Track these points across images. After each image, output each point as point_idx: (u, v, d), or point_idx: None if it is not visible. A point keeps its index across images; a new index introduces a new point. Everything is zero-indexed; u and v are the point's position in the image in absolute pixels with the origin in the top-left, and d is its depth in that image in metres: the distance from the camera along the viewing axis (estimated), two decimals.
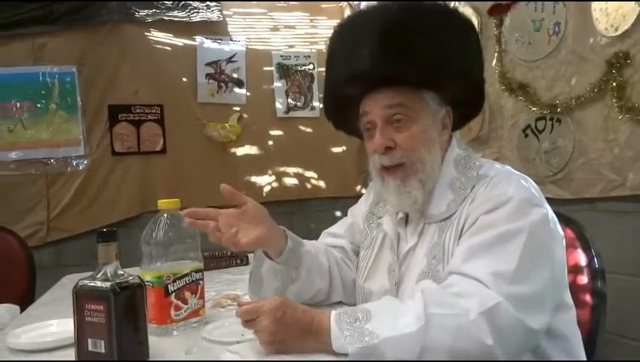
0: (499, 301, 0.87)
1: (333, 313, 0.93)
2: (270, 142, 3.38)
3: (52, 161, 2.92)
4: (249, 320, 0.95)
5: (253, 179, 3.34)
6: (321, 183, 3.49)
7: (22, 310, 1.44)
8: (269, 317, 0.93)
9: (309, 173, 3.46)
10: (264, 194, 3.35)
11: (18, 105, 2.87)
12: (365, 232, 1.26)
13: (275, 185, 3.39)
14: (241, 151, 3.31)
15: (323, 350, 0.92)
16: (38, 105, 2.90)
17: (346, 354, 0.89)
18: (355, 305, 1.22)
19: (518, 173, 1.09)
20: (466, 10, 2.58)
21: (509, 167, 1.10)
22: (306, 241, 1.25)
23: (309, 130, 3.45)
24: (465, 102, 1.16)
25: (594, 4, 1.98)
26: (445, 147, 1.13)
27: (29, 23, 2.83)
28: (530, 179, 1.07)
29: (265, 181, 3.37)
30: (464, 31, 1.13)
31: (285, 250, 1.17)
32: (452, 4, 2.68)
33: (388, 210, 1.20)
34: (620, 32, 1.89)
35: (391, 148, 1.08)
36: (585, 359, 1.09)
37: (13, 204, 2.83)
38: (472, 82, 1.14)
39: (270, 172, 3.37)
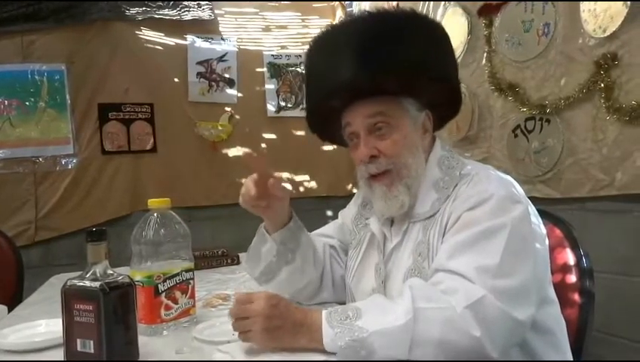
0: (483, 294, 0.89)
1: (324, 312, 0.95)
2: (261, 142, 3.38)
3: (41, 159, 2.89)
4: (242, 307, 0.96)
5: (244, 178, 3.30)
6: (313, 182, 3.49)
7: (10, 310, 1.43)
8: (264, 303, 0.94)
9: (300, 173, 3.46)
10: None
11: (6, 103, 2.83)
12: (354, 232, 1.28)
13: None
14: (232, 150, 3.31)
15: (314, 347, 0.92)
16: (27, 103, 2.87)
17: (335, 353, 0.90)
18: (344, 303, 1.24)
19: (499, 172, 1.11)
20: (456, 10, 2.59)
21: (490, 167, 1.13)
22: (307, 231, 1.27)
23: (300, 129, 3.45)
24: (442, 104, 1.18)
25: (582, 6, 2.00)
26: (428, 149, 1.15)
27: (18, 20, 2.80)
28: (511, 178, 1.09)
29: None
30: (436, 35, 1.14)
31: (285, 227, 1.19)
32: (441, 4, 2.69)
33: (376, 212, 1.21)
34: (607, 33, 1.90)
35: (376, 157, 1.11)
36: (570, 352, 1.10)
37: (0, 202, 2.80)
38: (449, 85, 1.15)
39: None
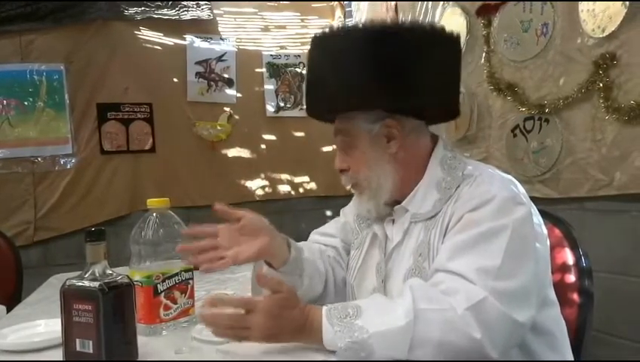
0: (484, 296, 0.89)
1: (324, 308, 0.94)
2: (260, 142, 3.38)
3: (39, 159, 2.89)
4: (239, 315, 0.94)
5: (243, 178, 3.33)
6: (312, 182, 3.49)
7: (9, 310, 1.43)
8: (264, 315, 0.93)
9: (299, 172, 3.46)
10: (254, 193, 3.34)
11: (5, 102, 2.83)
12: (356, 231, 1.28)
13: (265, 184, 3.39)
14: (231, 150, 3.30)
15: (314, 344, 0.93)
16: (26, 103, 2.87)
17: (334, 351, 0.90)
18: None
19: (503, 173, 1.10)
20: (455, 10, 2.59)
21: (493, 168, 1.12)
22: (303, 246, 1.25)
23: (299, 129, 3.45)
24: (420, 110, 1.14)
25: (581, 6, 2.00)
26: (403, 157, 1.12)
27: (17, 19, 2.80)
28: (514, 179, 1.09)
29: (255, 180, 3.36)
30: (376, 46, 1.08)
31: (290, 260, 1.17)
32: (440, 4, 2.70)
33: (375, 218, 1.21)
34: (606, 33, 1.91)
35: (346, 170, 1.16)
36: (570, 353, 1.11)
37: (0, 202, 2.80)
38: (406, 95, 1.09)
39: (260, 171, 3.37)
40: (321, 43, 1.14)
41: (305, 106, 1.24)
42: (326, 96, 1.13)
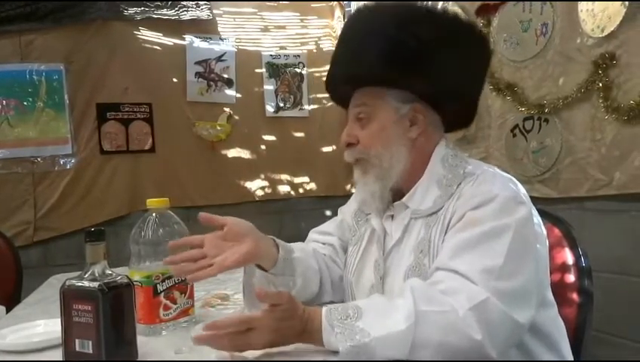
0: (486, 296, 0.89)
1: (324, 309, 0.93)
2: (260, 142, 3.38)
3: (39, 159, 2.89)
4: (241, 338, 0.92)
5: (243, 178, 3.33)
6: (311, 182, 3.50)
7: (8, 310, 1.43)
8: (264, 331, 0.91)
9: (298, 173, 3.46)
10: (254, 193, 3.34)
11: (4, 103, 2.83)
12: (354, 229, 1.28)
13: (264, 184, 3.39)
14: (230, 150, 3.31)
15: (313, 344, 0.93)
16: (25, 103, 2.87)
17: (336, 352, 0.89)
18: (343, 301, 1.23)
19: (504, 173, 1.10)
20: (454, 10, 2.59)
21: (495, 167, 1.12)
22: (294, 245, 1.25)
23: (298, 129, 3.45)
24: (445, 102, 1.15)
25: (580, 6, 2.00)
26: (421, 144, 1.13)
27: (16, 19, 2.80)
28: (515, 179, 1.09)
29: (255, 180, 3.36)
30: (423, 27, 1.10)
31: (279, 260, 1.16)
32: (440, 4, 2.70)
33: (377, 207, 1.21)
34: (606, 33, 1.91)
35: (353, 145, 1.14)
36: (570, 353, 1.10)
37: None
38: (442, 81, 1.11)
39: (260, 171, 3.37)
40: (368, 13, 1.14)
41: (328, 74, 1.21)
42: (365, 64, 1.10)
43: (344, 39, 1.18)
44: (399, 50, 1.07)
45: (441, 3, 2.69)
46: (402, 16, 1.11)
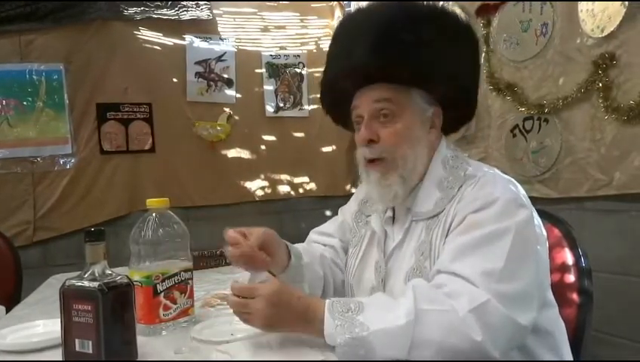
0: (487, 298, 0.89)
1: (327, 301, 0.95)
2: (260, 142, 3.38)
3: (39, 159, 2.88)
4: (242, 302, 0.96)
5: (243, 178, 3.33)
6: (311, 182, 3.49)
7: (8, 310, 1.43)
8: (264, 302, 0.94)
9: (298, 173, 3.46)
10: (254, 193, 3.34)
11: (4, 102, 2.82)
12: (354, 230, 1.28)
13: (264, 184, 3.38)
14: (230, 150, 3.30)
15: (313, 335, 0.94)
16: (25, 103, 2.87)
17: (333, 348, 0.90)
18: None
19: (505, 175, 1.10)
20: (455, 10, 2.59)
21: (495, 169, 1.12)
22: (301, 249, 1.24)
23: (298, 129, 3.45)
24: (456, 105, 1.17)
25: (580, 6, 2.00)
26: (434, 146, 1.15)
27: (16, 19, 2.79)
28: (514, 180, 1.09)
29: (255, 180, 3.36)
30: (459, 35, 1.14)
31: (290, 267, 1.17)
32: (440, 4, 2.69)
33: (377, 209, 1.21)
34: (605, 33, 1.91)
35: (374, 142, 1.10)
36: (570, 354, 1.11)
37: None
38: (462, 86, 1.15)
39: (260, 171, 3.37)
40: (397, 6, 1.11)
41: (331, 68, 1.17)
42: (405, 58, 1.06)
43: (371, 29, 1.08)
44: (438, 54, 1.07)
45: (441, 4, 2.69)
46: (433, 18, 1.12)
